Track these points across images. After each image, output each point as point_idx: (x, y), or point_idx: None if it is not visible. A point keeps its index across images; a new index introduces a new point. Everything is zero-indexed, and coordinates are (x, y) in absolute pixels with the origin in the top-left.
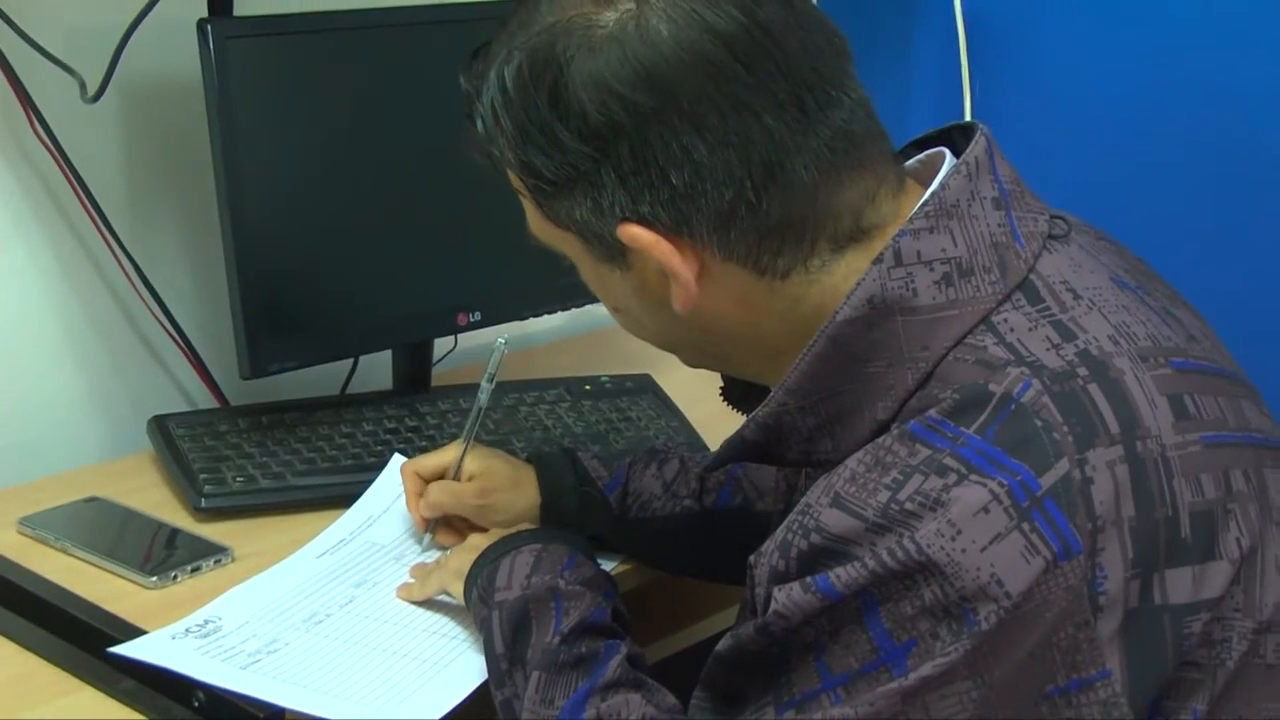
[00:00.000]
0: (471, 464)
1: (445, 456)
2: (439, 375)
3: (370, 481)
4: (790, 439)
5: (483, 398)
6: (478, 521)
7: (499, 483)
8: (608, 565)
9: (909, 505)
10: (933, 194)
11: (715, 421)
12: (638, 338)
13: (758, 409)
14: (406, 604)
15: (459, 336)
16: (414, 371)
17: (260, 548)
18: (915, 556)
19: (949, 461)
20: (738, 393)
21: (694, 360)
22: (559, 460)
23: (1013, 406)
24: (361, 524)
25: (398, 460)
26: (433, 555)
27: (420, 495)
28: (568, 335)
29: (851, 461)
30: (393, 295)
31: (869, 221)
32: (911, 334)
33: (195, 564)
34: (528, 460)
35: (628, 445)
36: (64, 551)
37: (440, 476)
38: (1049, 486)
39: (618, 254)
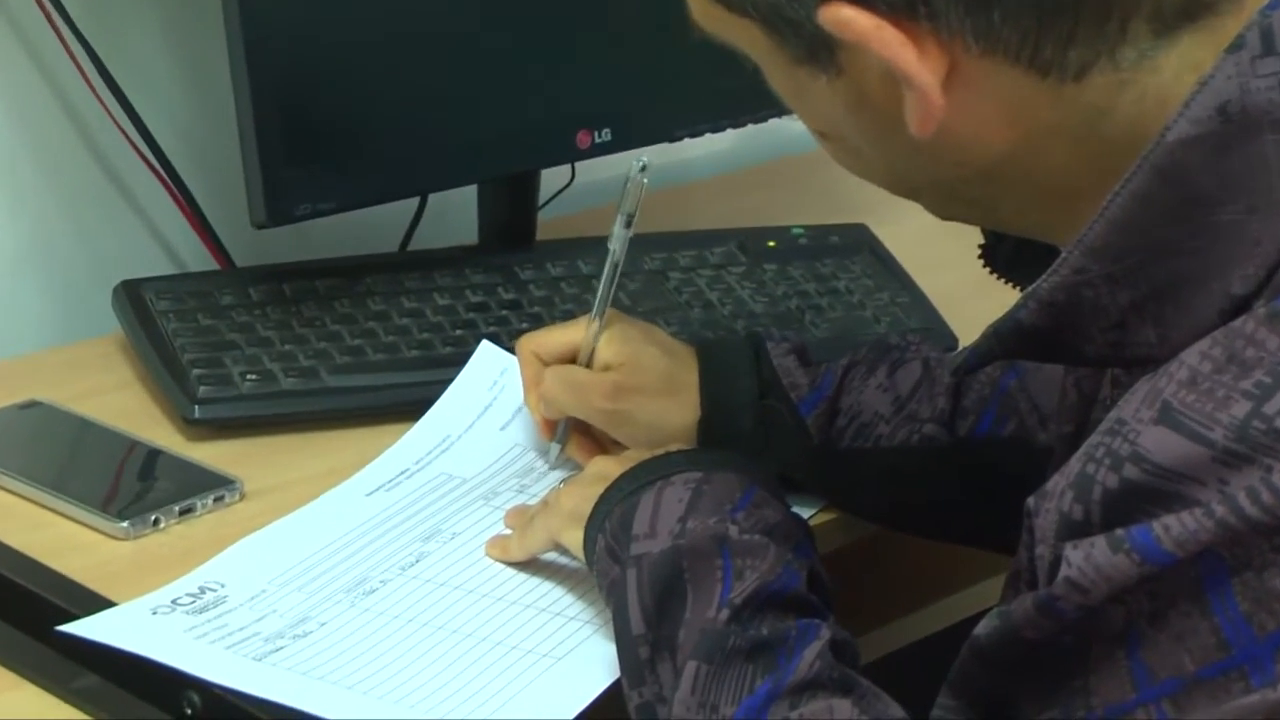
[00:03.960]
0: (609, 349)
1: (576, 332)
2: (547, 224)
3: (448, 381)
4: (1090, 325)
5: (616, 247)
6: (608, 432)
7: (645, 380)
8: (803, 514)
9: None
10: None
11: (968, 298)
12: (854, 174)
13: (1040, 279)
14: (500, 566)
15: (577, 165)
16: (511, 218)
17: (281, 479)
18: None
19: None
20: (1006, 255)
21: (942, 208)
22: (735, 354)
23: None
24: (435, 447)
25: (488, 350)
26: (552, 482)
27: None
28: (741, 166)
29: (1189, 357)
30: (479, 105)
31: None
32: None
33: (186, 503)
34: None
35: (832, 333)
36: None
37: (570, 361)
38: None
39: (823, 50)
